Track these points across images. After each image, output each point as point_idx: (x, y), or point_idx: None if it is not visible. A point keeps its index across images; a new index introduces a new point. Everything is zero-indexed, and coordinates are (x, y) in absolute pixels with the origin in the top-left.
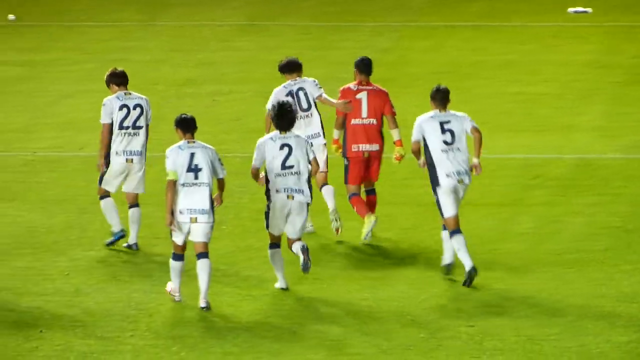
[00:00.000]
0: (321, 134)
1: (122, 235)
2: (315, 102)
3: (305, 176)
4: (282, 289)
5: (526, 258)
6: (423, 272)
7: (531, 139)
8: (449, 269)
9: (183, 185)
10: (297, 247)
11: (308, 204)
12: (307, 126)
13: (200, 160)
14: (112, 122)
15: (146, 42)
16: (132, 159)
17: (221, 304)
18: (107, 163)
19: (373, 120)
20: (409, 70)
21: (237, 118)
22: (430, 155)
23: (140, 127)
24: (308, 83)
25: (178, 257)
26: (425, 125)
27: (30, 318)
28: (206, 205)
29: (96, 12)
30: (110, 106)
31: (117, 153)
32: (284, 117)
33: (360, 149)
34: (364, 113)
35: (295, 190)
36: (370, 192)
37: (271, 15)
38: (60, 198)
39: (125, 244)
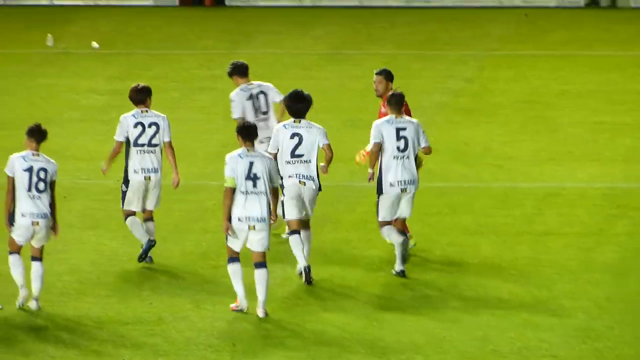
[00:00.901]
0: None
1: (152, 243)
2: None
3: (314, 164)
4: (304, 267)
5: (610, 289)
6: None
7: (614, 168)
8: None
9: (242, 192)
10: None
11: (318, 192)
12: (263, 129)
13: (259, 169)
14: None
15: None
16: (149, 176)
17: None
18: (126, 182)
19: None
20: (492, 100)
21: None
22: (380, 160)
23: (156, 145)
24: (269, 88)
25: (234, 259)
26: (383, 129)
27: (112, 347)
28: (264, 213)
29: (181, 40)
30: (125, 123)
31: (135, 171)
32: (299, 104)
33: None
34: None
35: (306, 177)
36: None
37: (355, 44)
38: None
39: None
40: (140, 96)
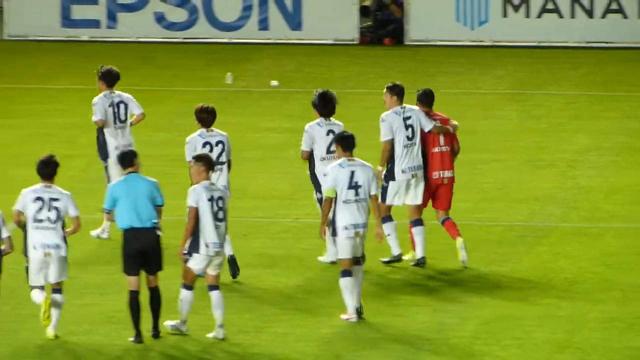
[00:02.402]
0: (132, 145)
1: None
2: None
3: None
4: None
5: None
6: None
7: None
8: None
9: (344, 202)
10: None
11: None
12: (120, 137)
13: (360, 177)
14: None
15: None
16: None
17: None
18: None
19: (448, 148)
20: None
21: (500, 187)
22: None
23: (222, 163)
24: (129, 99)
25: (347, 272)
26: (393, 121)
27: None
28: (366, 219)
29: (360, 80)
30: (194, 144)
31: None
32: (327, 103)
33: (441, 176)
34: (442, 141)
35: None
36: (447, 219)
37: (537, 84)
38: (321, 265)
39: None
40: (210, 116)
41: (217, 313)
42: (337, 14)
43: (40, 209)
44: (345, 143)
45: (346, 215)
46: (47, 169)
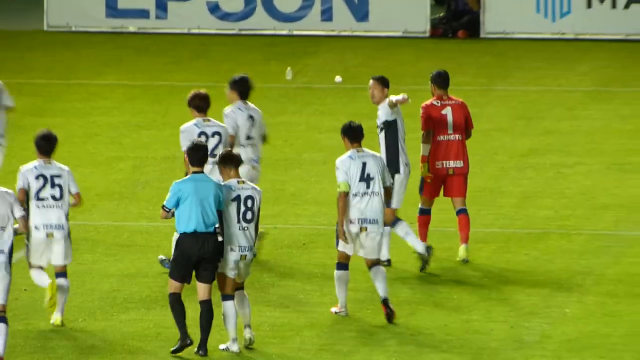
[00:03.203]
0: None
1: None
2: None
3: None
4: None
5: None
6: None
7: None
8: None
9: (355, 195)
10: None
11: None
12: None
13: (372, 169)
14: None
15: (487, 108)
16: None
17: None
18: None
19: (458, 136)
20: None
21: (583, 192)
22: (397, 141)
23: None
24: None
25: (343, 266)
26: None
27: None
28: (378, 215)
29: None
30: (189, 133)
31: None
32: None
33: (445, 166)
34: (450, 129)
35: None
36: (461, 212)
37: (624, 81)
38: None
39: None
40: (205, 103)
41: (245, 312)
42: (406, 4)
43: (43, 186)
44: (353, 134)
45: (354, 209)
46: (49, 145)
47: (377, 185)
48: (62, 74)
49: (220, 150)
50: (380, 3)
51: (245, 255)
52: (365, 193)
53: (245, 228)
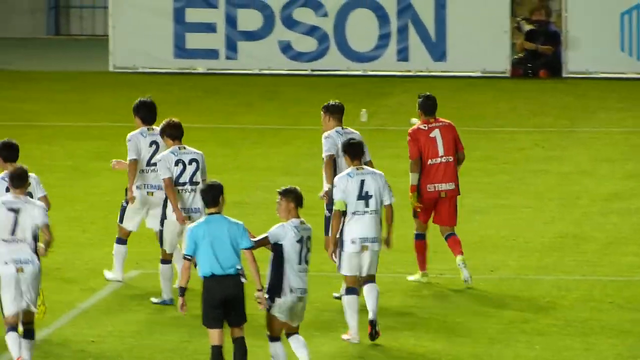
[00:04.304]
0: None
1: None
2: None
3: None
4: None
5: None
6: None
7: None
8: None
9: (354, 213)
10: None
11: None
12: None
13: (371, 186)
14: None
15: (569, 150)
16: (189, 217)
17: None
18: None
19: (449, 158)
20: None
21: None
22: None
23: (197, 183)
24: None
25: (353, 290)
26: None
27: None
28: (377, 233)
29: (512, 116)
30: (166, 160)
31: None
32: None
33: (437, 189)
34: (441, 151)
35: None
36: (450, 235)
37: None
38: (467, 325)
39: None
40: (179, 131)
41: (302, 353)
42: (486, 43)
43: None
44: (353, 151)
45: (354, 228)
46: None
47: (375, 204)
48: (128, 116)
49: (198, 178)
50: (459, 42)
51: (302, 298)
52: (365, 212)
53: (305, 270)
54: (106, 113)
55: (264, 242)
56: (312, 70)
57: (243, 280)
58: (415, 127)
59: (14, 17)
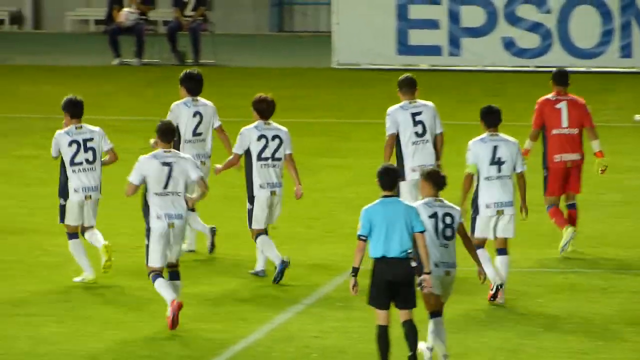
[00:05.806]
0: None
1: (286, 265)
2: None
3: None
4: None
5: None
6: None
7: None
8: None
9: (487, 179)
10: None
11: None
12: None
13: (504, 153)
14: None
15: None
16: (274, 191)
17: None
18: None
19: (574, 130)
20: None
21: None
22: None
23: (279, 159)
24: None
25: (480, 247)
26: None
27: None
28: (511, 197)
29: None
30: (247, 136)
31: (261, 186)
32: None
33: (563, 159)
34: (565, 123)
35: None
36: (571, 207)
37: None
38: None
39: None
40: (270, 107)
41: (442, 339)
42: None
43: (77, 152)
44: (489, 118)
45: (489, 193)
46: (78, 108)
47: (508, 170)
48: (352, 112)
49: (280, 154)
50: None
51: (449, 272)
52: (498, 177)
53: (445, 245)
54: (330, 109)
55: None
56: (536, 67)
57: (413, 264)
58: (543, 97)
59: (237, 14)
